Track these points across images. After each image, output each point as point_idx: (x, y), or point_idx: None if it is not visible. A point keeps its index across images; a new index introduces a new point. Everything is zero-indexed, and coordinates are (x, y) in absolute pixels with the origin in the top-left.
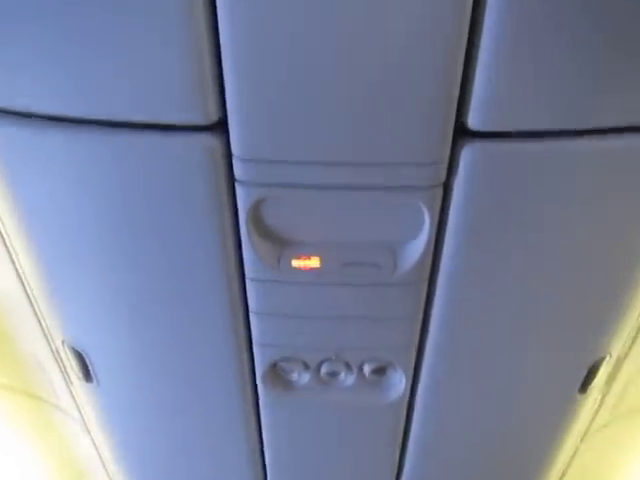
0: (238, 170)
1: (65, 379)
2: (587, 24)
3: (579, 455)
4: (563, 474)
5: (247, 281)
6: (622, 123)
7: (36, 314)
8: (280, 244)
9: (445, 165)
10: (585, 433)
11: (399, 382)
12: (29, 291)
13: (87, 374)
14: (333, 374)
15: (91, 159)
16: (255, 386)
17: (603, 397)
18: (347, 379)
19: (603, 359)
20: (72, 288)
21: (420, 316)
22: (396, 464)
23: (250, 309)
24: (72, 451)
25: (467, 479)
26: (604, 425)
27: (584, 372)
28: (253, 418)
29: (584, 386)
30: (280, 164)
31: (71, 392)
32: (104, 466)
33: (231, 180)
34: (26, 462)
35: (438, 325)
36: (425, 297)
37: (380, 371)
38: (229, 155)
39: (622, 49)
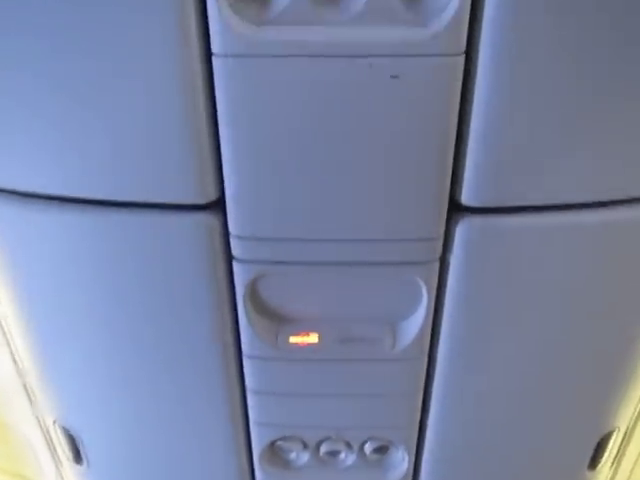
0: (235, 248)
1: (54, 460)
2: (576, 103)
3: None
4: None
5: (244, 359)
6: (618, 196)
7: (28, 394)
8: (278, 321)
9: (441, 240)
10: None
11: (401, 461)
12: (22, 371)
13: (77, 456)
14: (333, 453)
15: (87, 237)
16: (252, 466)
17: (612, 472)
18: (348, 459)
19: (612, 433)
20: (66, 368)
21: (421, 392)
22: None
23: (247, 387)
24: None
25: None
26: None
27: (592, 447)
28: None
29: (593, 462)
30: (277, 242)
31: (60, 473)
32: None
33: (228, 257)
34: None
35: (439, 401)
36: (425, 372)
37: (382, 450)
38: (226, 233)
39: (612, 127)
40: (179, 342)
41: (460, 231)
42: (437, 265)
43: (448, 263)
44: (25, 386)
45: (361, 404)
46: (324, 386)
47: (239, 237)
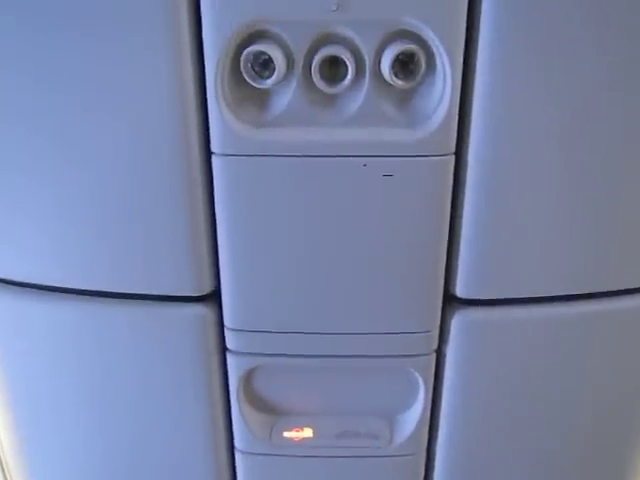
0: (230, 340)
1: None
2: (567, 197)
3: None
4: None
5: (236, 453)
6: (617, 286)
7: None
8: (272, 415)
9: (437, 333)
10: None
11: None
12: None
13: None
14: None
15: (76, 328)
16: None
17: None
18: None
19: None
20: (48, 457)
21: None
22: None
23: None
24: None
25: None
26: None
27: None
28: None
29: None
30: (272, 335)
31: None
32: None
33: (222, 349)
34: None
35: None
36: (424, 469)
37: None
38: (221, 325)
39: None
40: (169, 434)
41: (455, 323)
42: (434, 357)
43: (444, 355)
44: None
45: None
46: None
47: (234, 330)
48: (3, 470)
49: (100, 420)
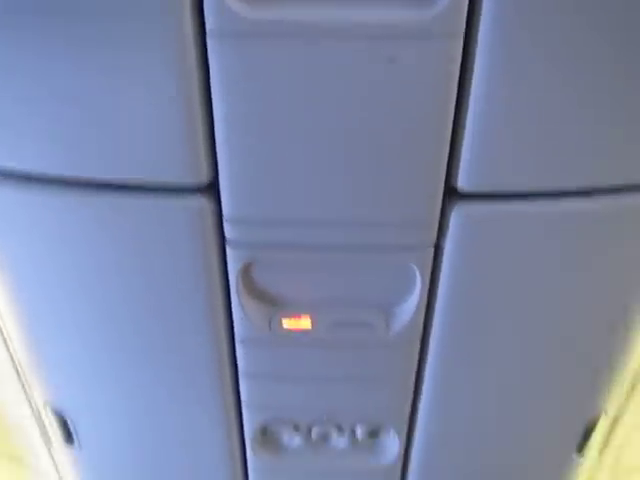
0: (229, 232)
1: (45, 441)
2: (573, 90)
3: None
4: None
5: (237, 343)
6: (617, 182)
7: (19, 376)
8: (271, 305)
9: (436, 227)
10: None
11: (392, 445)
12: (13, 353)
13: (69, 437)
14: (324, 437)
15: (76, 220)
16: (244, 449)
17: (600, 456)
18: (339, 442)
19: (599, 417)
20: (56, 352)
21: (413, 376)
22: None
23: (240, 370)
24: None
25: None
26: None
27: (581, 432)
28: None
29: (581, 446)
30: (271, 225)
31: (52, 455)
32: None
33: (221, 241)
34: None
35: (431, 386)
36: (417, 357)
37: (373, 434)
38: (220, 216)
39: (610, 114)
40: (170, 325)
41: (455, 217)
42: (431, 251)
43: (442, 250)
44: (16, 368)
45: (353, 388)
46: (316, 369)
47: (232, 220)
48: (17, 372)
49: (100, 315)
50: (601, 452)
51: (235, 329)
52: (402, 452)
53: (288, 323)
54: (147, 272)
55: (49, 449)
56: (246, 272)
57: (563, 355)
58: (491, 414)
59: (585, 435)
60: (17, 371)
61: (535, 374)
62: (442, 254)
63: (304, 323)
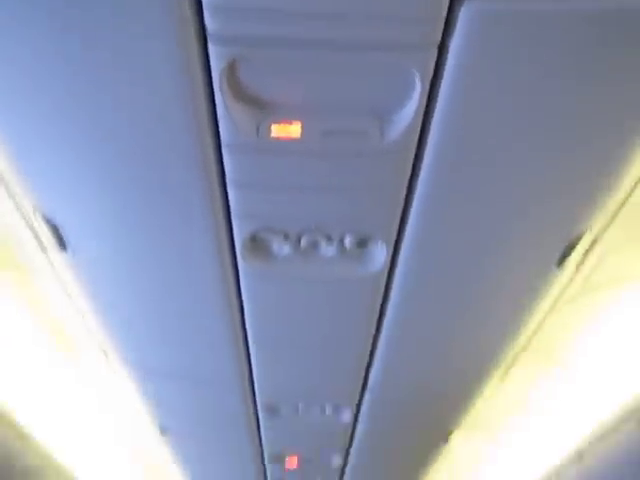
0: (210, 23)
1: (41, 247)
2: None
3: (543, 329)
4: (523, 349)
5: (223, 148)
6: None
7: (5, 182)
8: (259, 109)
9: (441, 24)
10: (554, 305)
11: (380, 254)
12: None
13: (61, 243)
14: (314, 245)
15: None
16: (235, 260)
17: (577, 269)
18: (327, 251)
19: (583, 234)
20: (41, 153)
21: (405, 187)
22: (369, 344)
23: (228, 178)
24: (59, 320)
25: (439, 358)
26: (572, 299)
27: (563, 246)
28: (234, 293)
29: (562, 260)
30: (256, 16)
31: (51, 263)
32: (90, 332)
33: (203, 36)
34: (15, 334)
35: (424, 194)
36: (411, 167)
37: (361, 243)
38: (201, 8)
39: None
40: (156, 131)
41: (463, 15)
42: (434, 53)
43: (446, 51)
44: (1, 174)
45: (343, 198)
46: (306, 179)
47: (213, 8)
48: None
49: (88, 122)
50: (577, 267)
51: (221, 133)
52: (389, 261)
53: (277, 130)
54: (130, 79)
55: (47, 256)
56: (231, 71)
57: (556, 162)
58: (480, 220)
59: (567, 250)
60: (4, 177)
61: (525, 182)
62: (445, 56)
63: (294, 130)
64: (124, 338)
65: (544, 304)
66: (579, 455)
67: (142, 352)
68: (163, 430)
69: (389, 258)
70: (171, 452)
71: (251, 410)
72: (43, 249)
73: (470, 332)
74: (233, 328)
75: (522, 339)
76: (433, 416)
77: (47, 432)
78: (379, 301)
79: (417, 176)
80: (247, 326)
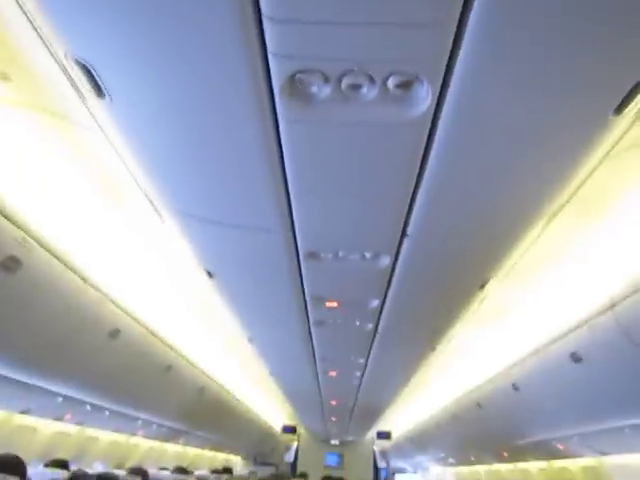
0: None
1: (79, 95)
2: None
3: (592, 180)
4: (568, 200)
5: None
6: None
7: (35, 27)
8: None
9: None
10: (605, 157)
11: (425, 96)
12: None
13: (99, 90)
14: (355, 87)
15: None
16: (274, 104)
17: (636, 117)
18: (370, 93)
19: None
20: None
21: (456, 21)
22: (410, 192)
23: (263, 14)
24: (102, 167)
25: (481, 207)
26: (625, 151)
27: (622, 94)
28: (273, 138)
29: (620, 108)
30: None
31: (89, 110)
32: (135, 179)
33: None
34: (55, 180)
35: (477, 28)
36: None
37: (406, 85)
38: None
39: None
40: None
41: None
42: None
43: None
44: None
45: (388, 33)
46: (347, 12)
47: None
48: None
49: None
50: (637, 116)
51: None
52: (434, 105)
53: None
54: None
55: (84, 103)
56: None
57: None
58: (537, 58)
59: (625, 98)
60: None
61: (585, 32)
62: None
63: None
64: (166, 185)
65: (596, 154)
66: (612, 303)
67: (184, 199)
68: (210, 274)
69: (435, 101)
70: (220, 294)
71: (293, 256)
72: (81, 97)
73: (515, 182)
74: (272, 174)
75: (569, 190)
76: (470, 265)
77: (105, 274)
78: (422, 147)
79: (469, 9)
80: (287, 172)
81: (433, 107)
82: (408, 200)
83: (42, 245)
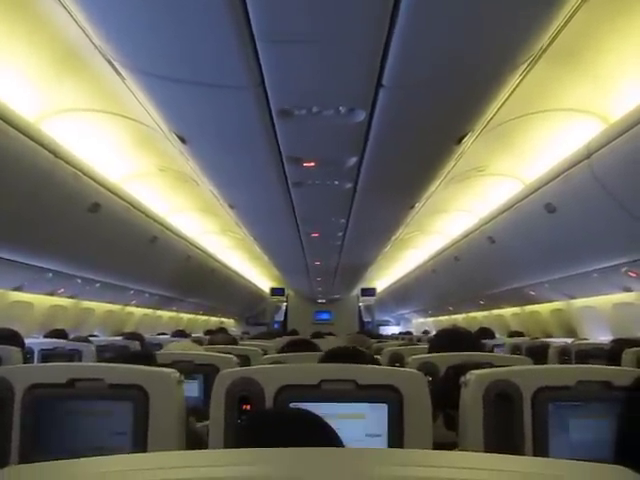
0: None
1: None
2: None
3: (567, 29)
4: (543, 50)
5: None
6: None
7: None
8: None
9: None
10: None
11: None
12: None
13: None
14: None
15: None
16: None
17: None
18: None
19: None
20: None
21: None
22: (384, 38)
23: None
24: (63, 36)
25: (456, 54)
26: None
27: None
28: None
29: None
30: None
31: None
32: (91, 41)
33: None
34: (19, 52)
35: None
36: None
37: None
38: None
39: None
40: None
41: None
42: None
43: None
44: None
45: None
46: None
47: None
48: None
49: None
50: None
51: None
52: None
53: None
54: None
55: None
56: None
57: None
58: None
59: None
60: None
61: None
62: None
63: None
64: (120, 42)
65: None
66: (588, 153)
67: (143, 55)
68: (183, 139)
69: None
70: (196, 161)
71: (266, 113)
72: None
73: (490, 29)
74: (235, 23)
75: (544, 38)
76: (446, 118)
77: (77, 149)
78: None
79: None
80: (251, 20)
81: None
82: (382, 46)
83: (8, 121)
